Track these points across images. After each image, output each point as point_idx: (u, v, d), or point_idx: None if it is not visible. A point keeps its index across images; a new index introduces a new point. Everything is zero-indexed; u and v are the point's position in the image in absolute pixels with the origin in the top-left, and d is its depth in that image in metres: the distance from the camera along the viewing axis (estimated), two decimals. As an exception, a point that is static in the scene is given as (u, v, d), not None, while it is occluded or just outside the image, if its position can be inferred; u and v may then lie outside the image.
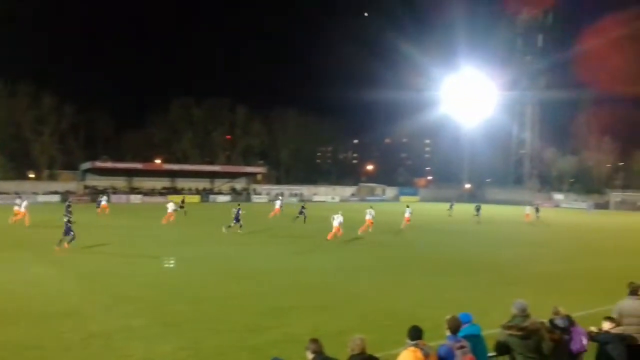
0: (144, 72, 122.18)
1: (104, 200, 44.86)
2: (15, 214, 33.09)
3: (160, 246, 24.28)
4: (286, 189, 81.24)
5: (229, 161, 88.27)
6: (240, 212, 30.84)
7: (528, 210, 47.52)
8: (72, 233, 22.17)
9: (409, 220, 34.91)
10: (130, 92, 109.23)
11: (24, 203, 33.99)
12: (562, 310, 7.44)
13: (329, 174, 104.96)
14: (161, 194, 69.07)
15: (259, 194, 76.32)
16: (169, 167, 72.45)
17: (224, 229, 30.00)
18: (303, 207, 39.71)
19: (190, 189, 72.04)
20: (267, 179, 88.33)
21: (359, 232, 30.33)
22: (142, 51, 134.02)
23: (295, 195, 78.02)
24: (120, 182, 69.37)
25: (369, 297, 14.74)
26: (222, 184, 76.00)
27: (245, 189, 76.80)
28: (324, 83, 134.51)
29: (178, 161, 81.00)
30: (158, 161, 79.27)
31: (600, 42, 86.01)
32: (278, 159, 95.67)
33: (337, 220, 28.16)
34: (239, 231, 29.80)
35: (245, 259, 21.25)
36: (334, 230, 27.93)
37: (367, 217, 32.14)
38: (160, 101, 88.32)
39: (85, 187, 67.29)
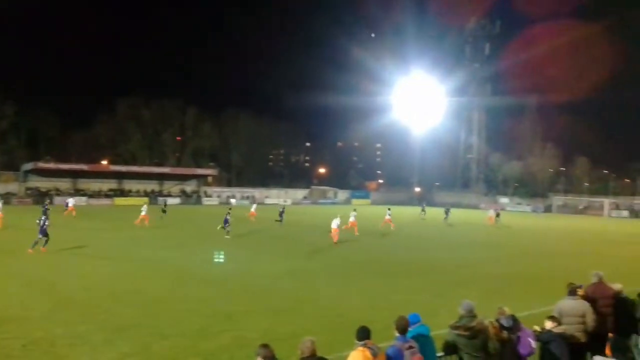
0: (91, 71, 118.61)
1: (71, 202, 43.34)
2: None
3: (114, 248, 23.66)
4: (237, 191, 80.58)
5: (178, 163, 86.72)
6: (229, 216, 30.66)
7: (490, 213, 49.90)
8: (41, 236, 21.93)
9: (354, 224, 34.70)
10: (77, 91, 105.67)
11: None
12: (507, 310, 7.67)
13: (281, 176, 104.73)
14: (107, 196, 67.23)
15: (210, 196, 75.38)
16: (116, 169, 70.58)
17: (219, 228, 31.06)
18: (282, 211, 40.01)
19: (138, 191, 70.43)
20: (218, 182, 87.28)
21: (356, 234, 32.41)
22: (89, 49, 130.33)
23: (247, 197, 77.50)
24: (64, 184, 67.04)
25: (320, 300, 14.82)
26: (171, 186, 74.62)
27: (196, 192, 75.69)
28: (277, 86, 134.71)
29: (126, 162, 78.99)
30: (104, 162, 77.13)
31: (544, 50, 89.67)
32: (229, 161, 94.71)
33: (335, 222, 28.97)
34: (226, 236, 29.39)
35: (198, 262, 20.92)
36: (333, 232, 28.79)
37: (351, 219, 33.50)
38: (108, 101, 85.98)
39: (27, 188, 64.72)
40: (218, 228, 31.38)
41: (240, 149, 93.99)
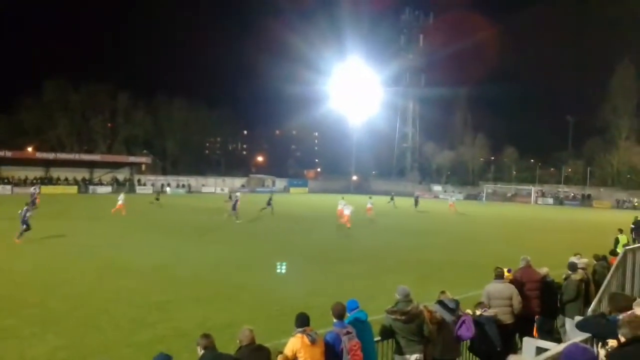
0: (16, 52, 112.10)
1: (121, 200, 37.42)
2: None
3: (40, 240, 22.53)
4: (173, 179, 78.82)
5: (110, 150, 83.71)
6: (237, 201, 33.24)
7: (451, 200, 52.67)
8: (25, 226, 22.11)
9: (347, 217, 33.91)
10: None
11: None
12: (449, 295, 7.90)
13: (218, 165, 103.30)
14: (33, 183, 64.08)
15: (144, 184, 73.34)
16: (42, 156, 67.22)
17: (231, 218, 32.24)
18: (270, 199, 39.83)
19: (67, 179, 67.53)
20: (153, 170, 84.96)
21: (349, 225, 31.49)
22: (14, 29, 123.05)
23: (183, 186, 75.97)
24: (-15, 172, 63.39)
25: (259, 288, 14.73)
26: (102, 174, 71.96)
27: (129, 180, 73.39)
28: (212, 73, 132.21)
29: (53, 149, 75.24)
30: (30, 149, 73.32)
31: (474, 42, 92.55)
32: (164, 148, 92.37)
33: (347, 209, 32.11)
34: (237, 221, 31.35)
35: (133, 252, 20.29)
36: (345, 218, 31.64)
37: (343, 209, 33.70)
38: (33, 85, 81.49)
39: (-56, 177, 60.73)
40: (225, 216, 32.68)
41: (175, 137, 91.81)
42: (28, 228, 22.26)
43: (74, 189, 64.73)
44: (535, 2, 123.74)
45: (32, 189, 44.05)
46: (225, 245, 23.13)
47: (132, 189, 68.57)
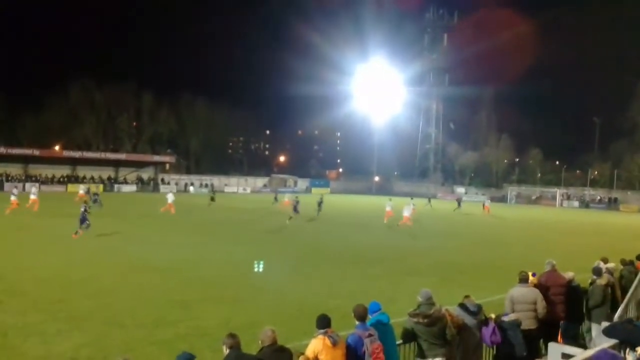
0: (42, 53, 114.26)
1: (170, 198, 37.87)
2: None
3: (65, 237, 22.91)
4: (196, 179, 79.54)
5: (135, 149, 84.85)
6: (298, 203, 34.56)
7: (487, 203, 53.36)
8: (87, 222, 23.41)
9: (391, 214, 36.07)
10: (27, 73, 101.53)
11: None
12: (473, 300, 7.83)
13: (241, 164, 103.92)
14: (60, 182, 65.26)
15: (167, 183, 74.17)
16: (69, 154, 68.47)
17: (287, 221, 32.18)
18: (321, 201, 40.09)
19: (93, 178, 68.61)
20: (176, 169, 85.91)
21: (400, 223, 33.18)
22: (40, 30, 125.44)
23: (206, 185, 76.61)
24: (15, 169, 64.74)
25: (280, 289, 14.75)
26: (127, 173, 72.98)
27: (153, 179, 74.32)
28: (235, 72, 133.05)
29: (79, 148, 76.58)
30: (57, 148, 74.69)
31: (499, 42, 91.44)
32: (187, 148, 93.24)
33: (407, 210, 33.71)
34: (287, 222, 31.92)
35: (155, 251, 20.51)
36: (405, 219, 33.32)
37: (387, 208, 36.09)
38: (59, 84, 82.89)
39: (-26, 174, 62.20)
40: (288, 221, 32.25)
41: (198, 136, 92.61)
42: (87, 225, 23.54)
43: (99, 188, 65.84)
44: (560, 1, 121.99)
45: (94, 189, 46.66)
46: (249, 245, 23.22)
47: (156, 188, 69.39)
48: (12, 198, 32.76)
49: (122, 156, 74.02)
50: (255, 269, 15.83)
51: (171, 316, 11.52)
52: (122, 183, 70.13)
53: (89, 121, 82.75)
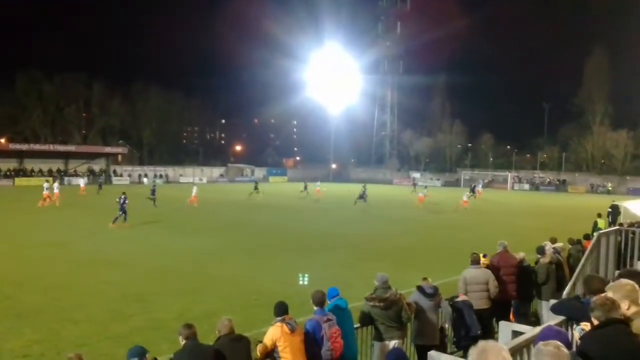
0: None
1: (55, 188, 36.53)
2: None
3: (15, 233, 22.11)
4: (150, 169, 77.97)
5: (85, 141, 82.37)
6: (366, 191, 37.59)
7: (479, 187, 56.30)
8: (121, 213, 24.75)
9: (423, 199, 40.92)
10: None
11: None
12: (430, 281, 8.01)
13: (197, 154, 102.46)
14: (7, 176, 62.86)
15: (120, 175, 72.46)
16: (15, 147, 65.95)
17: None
18: (364, 190, 40.71)
19: (41, 171, 66.37)
20: (129, 160, 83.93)
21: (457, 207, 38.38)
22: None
23: (161, 176, 75.22)
24: (-42, 163, 62.00)
25: (238, 279, 14.68)
26: (78, 165, 70.89)
27: (105, 171, 72.43)
28: (188, 61, 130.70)
29: (26, 140, 73.80)
30: (3, 140, 71.79)
31: (452, 29, 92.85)
32: (140, 138, 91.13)
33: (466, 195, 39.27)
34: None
35: (111, 244, 20.02)
36: (463, 203, 39.21)
37: (423, 196, 41.35)
38: (5, 75, 79.49)
39: None
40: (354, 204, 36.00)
41: (152, 126, 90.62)
42: (125, 216, 24.90)
43: (48, 181, 63.68)
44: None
45: (152, 180, 48.01)
46: (207, 236, 22.97)
47: (108, 180, 67.72)
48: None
49: (71, 148, 71.71)
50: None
51: (127, 310, 11.31)
52: (72, 175, 68.08)
53: (37, 113, 79.74)
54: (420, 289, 7.82)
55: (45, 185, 34.95)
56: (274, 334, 5.95)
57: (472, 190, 52.18)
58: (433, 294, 7.73)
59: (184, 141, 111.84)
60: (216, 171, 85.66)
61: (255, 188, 45.53)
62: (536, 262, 10.43)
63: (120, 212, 24.87)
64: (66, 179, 66.19)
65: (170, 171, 78.39)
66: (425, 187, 52.78)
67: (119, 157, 79.34)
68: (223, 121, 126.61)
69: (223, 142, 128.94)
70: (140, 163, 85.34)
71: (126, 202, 25.17)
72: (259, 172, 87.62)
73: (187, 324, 5.59)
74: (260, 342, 5.96)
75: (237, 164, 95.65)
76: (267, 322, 6.71)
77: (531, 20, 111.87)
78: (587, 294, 4.89)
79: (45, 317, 10.67)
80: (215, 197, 44.71)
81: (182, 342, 5.43)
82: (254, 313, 10.79)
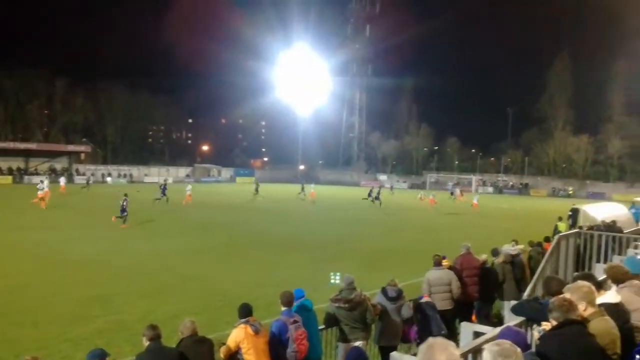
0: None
1: (45, 187, 34.71)
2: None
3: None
4: (114, 169, 76.48)
5: (47, 139, 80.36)
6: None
7: (457, 193, 56.38)
8: (125, 214, 25.31)
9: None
10: None
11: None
12: (397, 283, 8.08)
13: (162, 154, 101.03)
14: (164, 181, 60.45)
15: (83, 174, 70.90)
16: (-27, 145, 63.97)
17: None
18: (379, 192, 43.49)
19: (0, 169, 64.47)
20: (92, 159, 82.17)
21: None
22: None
23: (125, 176, 73.89)
24: None
25: (203, 280, 14.54)
26: (39, 164, 69.08)
27: (67, 169, 70.75)
28: (155, 58, 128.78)
29: (-16, 138, 71.73)
30: (-41, 137, 69.55)
31: (419, 33, 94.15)
32: (104, 137, 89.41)
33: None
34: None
35: (74, 244, 19.52)
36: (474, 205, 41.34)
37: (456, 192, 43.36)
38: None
39: None
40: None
41: (116, 124, 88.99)
42: (126, 216, 25.39)
43: (8, 179, 61.85)
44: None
45: (162, 180, 48.25)
46: (173, 236, 22.67)
47: (70, 180, 66.21)
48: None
49: (32, 146, 69.76)
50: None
51: (89, 311, 11.08)
52: (33, 174, 66.29)
53: (-4, 109, 77.49)
54: (383, 291, 7.90)
55: (41, 185, 33.91)
56: (238, 335, 5.93)
57: (452, 194, 53.76)
58: (396, 297, 7.81)
59: (150, 140, 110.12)
60: (182, 171, 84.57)
61: (256, 190, 46.02)
62: (492, 264, 10.69)
63: (124, 213, 25.37)
64: (26, 177, 64.47)
65: (135, 171, 77.06)
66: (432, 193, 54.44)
67: (82, 155, 77.58)
68: (190, 120, 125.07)
69: (190, 141, 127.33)
70: (103, 162, 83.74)
71: (126, 203, 25.68)
72: (226, 173, 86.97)
73: (151, 325, 5.49)
74: (224, 344, 5.92)
75: (203, 164, 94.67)
76: (231, 324, 6.68)
77: (497, 27, 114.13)
78: (546, 295, 5.02)
79: (3, 319, 10.37)
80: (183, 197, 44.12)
81: (146, 343, 5.35)
82: (218, 315, 10.71)
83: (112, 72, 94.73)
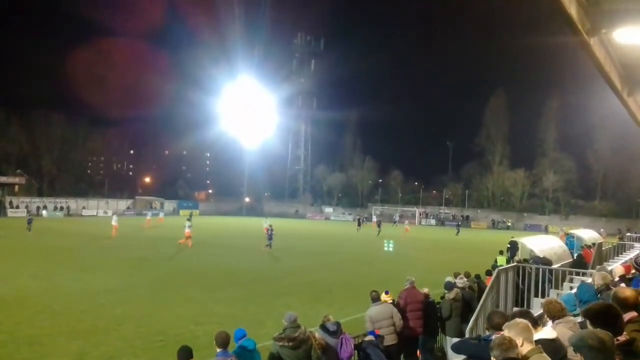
0: None
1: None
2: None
3: None
4: (50, 201, 73.33)
5: (-23, 170, 76.48)
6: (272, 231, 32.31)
7: (407, 224, 57.85)
8: None
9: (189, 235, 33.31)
10: None
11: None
12: (332, 318, 8.00)
13: (102, 186, 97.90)
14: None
15: (17, 207, 67.59)
16: None
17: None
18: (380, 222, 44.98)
19: None
20: (27, 191, 78.61)
21: None
22: None
23: (62, 209, 71.01)
24: None
25: (141, 318, 13.94)
26: (-32, 196, 65.53)
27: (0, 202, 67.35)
28: (94, 88, 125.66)
29: None
30: None
31: (363, 69, 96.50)
32: (40, 168, 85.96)
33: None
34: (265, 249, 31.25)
35: (8, 282, 18.32)
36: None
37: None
38: None
39: None
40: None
41: (53, 155, 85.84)
42: None
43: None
44: (415, 30, 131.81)
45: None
46: (109, 273, 21.77)
47: (3, 213, 63.07)
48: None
49: (-39, 177, 66.32)
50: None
51: (16, 354, 10.41)
52: (-39, 207, 62.73)
53: None
54: (323, 327, 7.82)
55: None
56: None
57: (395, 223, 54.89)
58: (336, 331, 7.74)
59: (88, 172, 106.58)
60: (122, 203, 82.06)
61: (189, 219, 39.88)
62: (442, 298, 10.70)
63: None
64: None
65: (73, 203, 74.19)
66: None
67: (16, 187, 74.16)
68: (132, 151, 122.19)
69: (131, 173, 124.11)
70: (39, 194, 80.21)
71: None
72: (169, 205, 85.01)
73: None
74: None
75: (145, 196, 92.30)
76: (171, 366, 6.39)
77: (438, 63, 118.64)
78: (489, 329, 5.09)
79: None
80: (125, 232, 42.77)
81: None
82: (158, 356, 10.28)
83: (48, 101, 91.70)
